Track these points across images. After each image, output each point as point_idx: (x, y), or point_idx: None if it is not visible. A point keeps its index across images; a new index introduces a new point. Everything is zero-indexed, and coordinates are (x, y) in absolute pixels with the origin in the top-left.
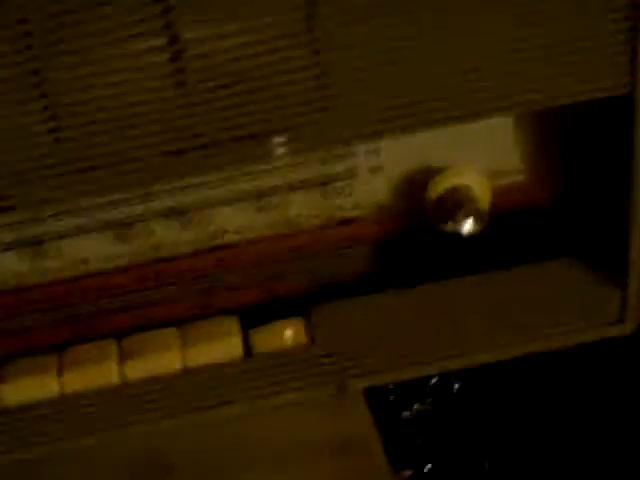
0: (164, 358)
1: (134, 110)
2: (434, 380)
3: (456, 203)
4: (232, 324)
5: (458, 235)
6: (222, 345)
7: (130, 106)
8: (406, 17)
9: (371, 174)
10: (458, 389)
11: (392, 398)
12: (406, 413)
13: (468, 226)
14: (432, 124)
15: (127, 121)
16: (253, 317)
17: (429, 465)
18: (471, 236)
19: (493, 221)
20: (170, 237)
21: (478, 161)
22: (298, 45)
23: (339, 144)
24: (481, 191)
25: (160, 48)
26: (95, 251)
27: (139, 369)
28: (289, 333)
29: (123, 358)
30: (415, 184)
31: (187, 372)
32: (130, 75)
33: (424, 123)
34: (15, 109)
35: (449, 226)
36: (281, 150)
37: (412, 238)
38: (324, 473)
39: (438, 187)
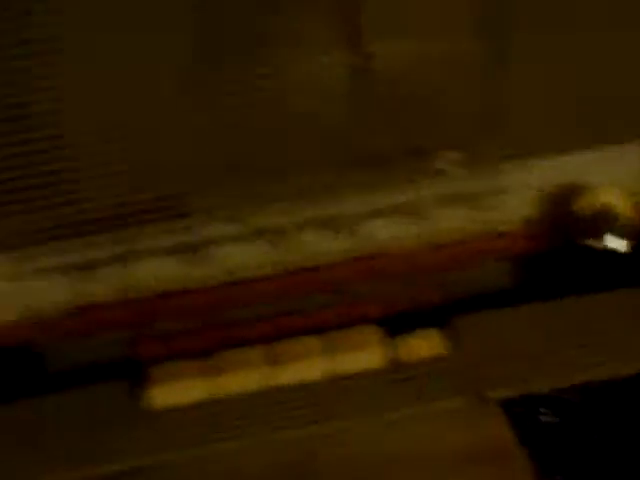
0: (309, 365)
1: (314, 122)
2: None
3: (605, 221)
4: (375, 333)
5: (603, 251)
6: (365, 354)
7: (310, 117)
8: (585, 36)
9: (521, 190)
10: (579, 402)
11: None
12: (531, 424)
13: (616, 244)
14: (596, 144)
15: (306, 132)
16: (395, 326)
17: (559, 477)
18: (615, 253)
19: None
20: (320, 246)
21: (624, 180)
22: (479, 67)
23: (515, 159)
24: (628, 209)
25: (344, 62)
26: (246, 258)
27: (285, 376)
28: (431, 343)
29: (270, 364)
30: (563, 201)
31: (330, 380)
32: (312, 86)
33: (587, 144)
34: (197, 120)
35: (597, 243)
36: (450, 165)
37: (557, 253)
38: None
39: (586, 204)
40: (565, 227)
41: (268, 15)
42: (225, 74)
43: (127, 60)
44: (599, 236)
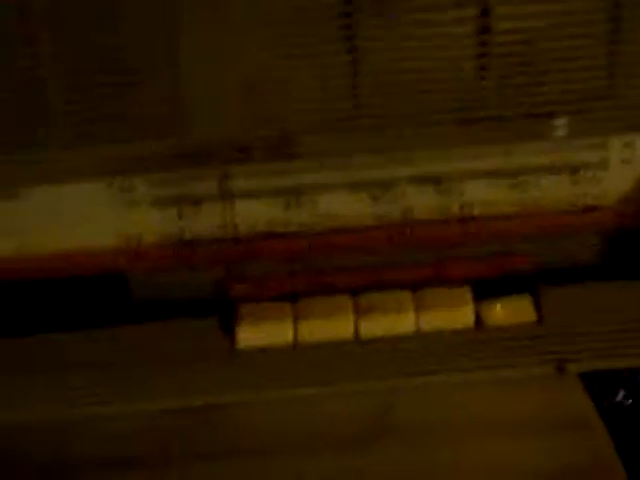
0: (398, 319)
1: (433, 76)
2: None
3: None
4: (465, 294)
5: None
6: (454, 313)
7: (430, 72)
8: None
9: (622, 166)
10: None
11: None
12: (607, 403)
13: None
14: None
15: (424, 86)
16: (484, 290)
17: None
18: None
19: None
20: (420, 203)
21: None
22: (595, 34)
23: (619, 133)
24: None
25: (469, 19)
26: (347, 208)
27: (373, 327)
28: (518, 309)
29: (358, 314)
30: None
31: (418, 336)
32: (435, 42)
33: None
34: (324, 65)
35: None
36: (561, 132)
37: None
38: (545, 447)
39: None
40: None
41: None
42: (361, 22)
43: None
44: None
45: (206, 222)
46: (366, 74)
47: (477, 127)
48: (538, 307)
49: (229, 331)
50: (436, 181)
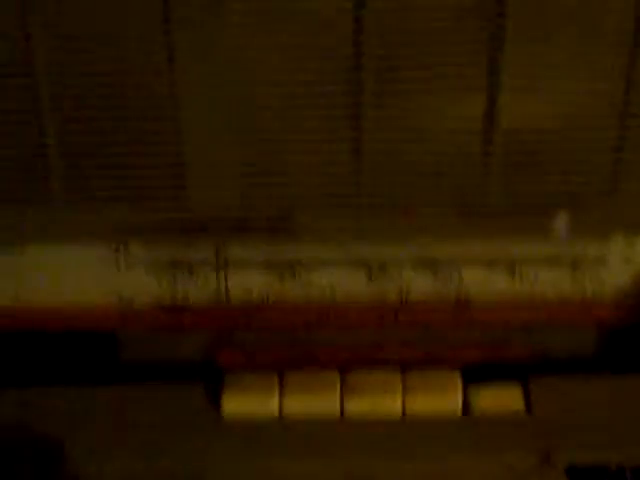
0: (384, 400)
1: (436, 168)
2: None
3: None
4: (455, 379)
5: None
6: (442, 398)
7: (434, 163)
8: None
9: (622, 263)
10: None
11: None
12: None
13: None
14: None
15: (428, 177)
16: (476, 375)
17: None
18: None
19: None
20: (417, 285)
21: None
22: (601, 135)
23: (621, 232)
24: None
25: (475, 116)
26: (342, 284)
27: (359, 406)
28: (507, 398)
29: (345, 392)
30: None
31: (402, 417)
32: (442, 134)
33: None
34: (327, 145)
35: None
36: (562, 227)
37: None
38: None
39: None
40: None
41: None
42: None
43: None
44: None
45: (200, 288)
46: (369, 159)
47: (478, 219)
48: (527, 396)
49: (215, 398)
50: (434, 265)
